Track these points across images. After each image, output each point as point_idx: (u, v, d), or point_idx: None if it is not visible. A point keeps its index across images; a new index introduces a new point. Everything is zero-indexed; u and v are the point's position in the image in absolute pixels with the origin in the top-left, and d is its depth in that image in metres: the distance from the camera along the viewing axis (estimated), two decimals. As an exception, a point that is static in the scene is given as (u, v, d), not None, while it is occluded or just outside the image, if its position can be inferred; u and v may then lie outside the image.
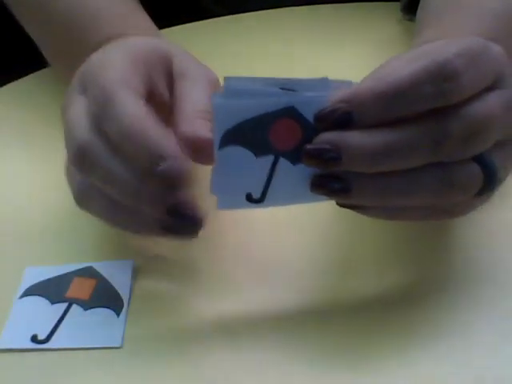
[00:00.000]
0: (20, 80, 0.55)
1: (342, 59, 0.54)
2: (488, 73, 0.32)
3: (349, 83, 0.32)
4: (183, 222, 0.34)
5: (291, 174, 0.32)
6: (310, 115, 0.31)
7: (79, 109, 0.36)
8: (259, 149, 0.32)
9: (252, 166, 0.32)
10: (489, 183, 0.32)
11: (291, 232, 0.41)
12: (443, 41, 0.34)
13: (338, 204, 0.33)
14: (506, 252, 0.39)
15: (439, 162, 0.31)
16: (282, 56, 0.55)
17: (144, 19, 0.47)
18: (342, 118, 0.30)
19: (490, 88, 0.32)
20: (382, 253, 0.39)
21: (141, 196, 0.34)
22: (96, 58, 0.38)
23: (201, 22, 0.61)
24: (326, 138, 0.31)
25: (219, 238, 0.40)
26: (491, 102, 0.31)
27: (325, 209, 0.35)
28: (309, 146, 0.31)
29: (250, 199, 0.33)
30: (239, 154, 0.32)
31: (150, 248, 0.40)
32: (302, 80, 0.33)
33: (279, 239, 0.41)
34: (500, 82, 0.32)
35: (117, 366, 0.34)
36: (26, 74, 0.56)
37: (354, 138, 0.30)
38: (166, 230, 0.34)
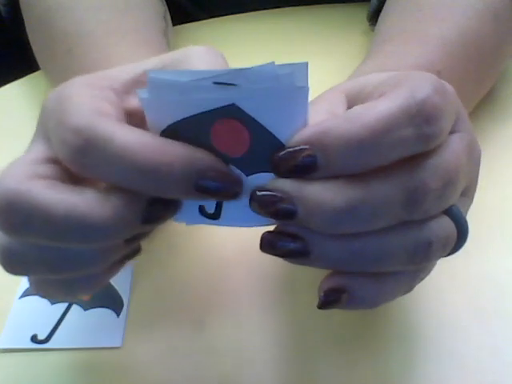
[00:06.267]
0: (20, 80, 0.55)
1: (340, 59, 0.54)
2: (453, 113, 0.27)
3: (303, 65, 0.25)
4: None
5: (246, 187, 0.27)
6: (257, 113, 0.25)
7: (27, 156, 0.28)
8: None
9: None
10: (462, 237, 0.28)
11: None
12: (400, 73, 0.29)
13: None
14: (506, 253, 0.39)
15: (411, 220, 0.26)
16: (281, 56, 0.55)
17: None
18: (304, 163, 0.25)
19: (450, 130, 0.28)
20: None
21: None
22: (53, 97, 0.29)
23: (199, 22, 0.61)
24: (280, 185, 0.26)
25: (219, 239, 0.40)
26: (457, 148, 0.27)
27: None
28: (258, 193, 0.26)
29: (203, 213, 0.28)
30: None
31: (150, 248, 0.40)
32: (242, 70, 0.25)
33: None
34: (458, 123, 0.28)
35: (117, 366, 0.34)
36: (26, 75, 0.56)
37: (313, 190, 0.25)
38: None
